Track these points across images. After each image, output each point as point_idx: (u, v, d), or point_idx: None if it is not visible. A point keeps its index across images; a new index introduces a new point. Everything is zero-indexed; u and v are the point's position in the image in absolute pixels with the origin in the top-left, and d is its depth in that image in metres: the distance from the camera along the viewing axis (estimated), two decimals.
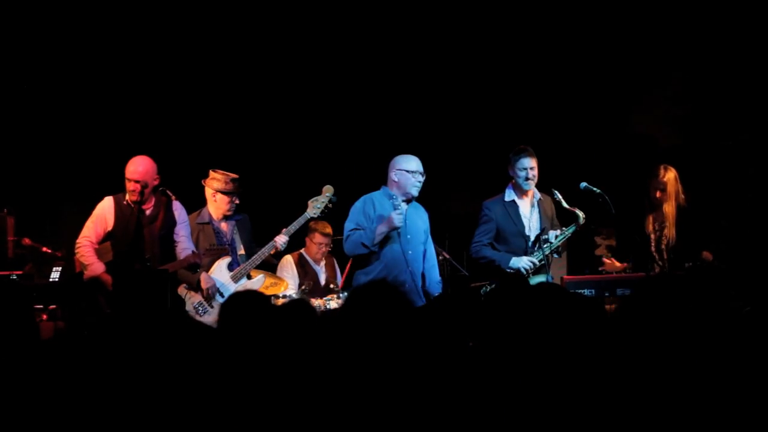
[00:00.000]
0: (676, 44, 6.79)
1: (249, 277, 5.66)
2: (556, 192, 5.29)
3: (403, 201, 5.05)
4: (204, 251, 5.44)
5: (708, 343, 2.32)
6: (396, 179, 5.08)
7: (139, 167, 5.24)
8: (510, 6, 6.91)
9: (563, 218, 5.46)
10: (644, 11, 6.73)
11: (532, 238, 5.34)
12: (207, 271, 5.56)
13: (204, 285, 5.48)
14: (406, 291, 4.62)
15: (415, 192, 5.08)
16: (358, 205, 5.10)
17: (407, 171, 5.05)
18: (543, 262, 5.20)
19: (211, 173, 5.69)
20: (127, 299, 5.04)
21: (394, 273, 4.93)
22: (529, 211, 5.43)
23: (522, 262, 5.22)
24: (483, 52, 7.06)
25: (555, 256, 5.39)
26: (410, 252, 5.00)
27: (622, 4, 6.78)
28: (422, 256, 5.14)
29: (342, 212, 5.33)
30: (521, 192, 5.42)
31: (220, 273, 5.62)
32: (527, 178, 5.34)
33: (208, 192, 5.70)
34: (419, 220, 5.16)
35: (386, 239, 4.97)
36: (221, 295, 5.53)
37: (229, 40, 6.97)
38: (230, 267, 5.66)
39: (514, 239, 5.36)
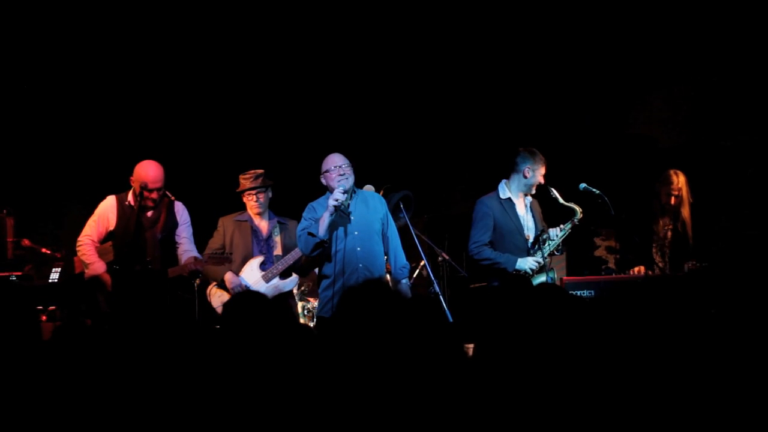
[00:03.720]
0: (676, 45, 6.79)
1: (282, 277, 5.64)
2: (552, 189, 5.28)
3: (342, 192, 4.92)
4: (207, 257, 5.42)
5: (706, 344, 2.32)
6: (325, 183, 5.00)
7: (159, 175, 5.23)
8: (510, 7, 6.90)
9: (561, 214, 5.44)
10: (644, 12, 6.73)
11: (532, 238, 5.33)
12: (238, 270, 5.58)
13: (229, 284, 5.50)
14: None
15: (341, 186, 4.88)
16: (304, 212, 5.06)
17: (327, 171, 4.95)
18: (546, 261, 5.20)
19: (240, 177, 5.76)
20: (126, 300, 5.04)
21: (348, 271, 4.86)
22: (525, 210, 5.42)
23: (528, 263, 5.20)
24: (484, 53, 7.06)
25: (556, 253, 5.38)
26: (359, 248, 4.91)
27: (622, 4, 6.78)
28: (380, 247, 5.04)
29: None
30: (523, 192, 5.40)
31: (251, 272, 5.60)
32: (540, 183, 5.35)
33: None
34: (370, 212, 5.04)
35: (336, 238, 4.89)
36: None
37: (236, 41, 6.97)
38: (263, 267, 5.64)
39: (512, 237, 5.32)
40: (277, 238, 5.77)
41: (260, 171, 5.71)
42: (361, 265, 4.88)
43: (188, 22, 6.83)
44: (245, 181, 5.72)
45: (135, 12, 6.70)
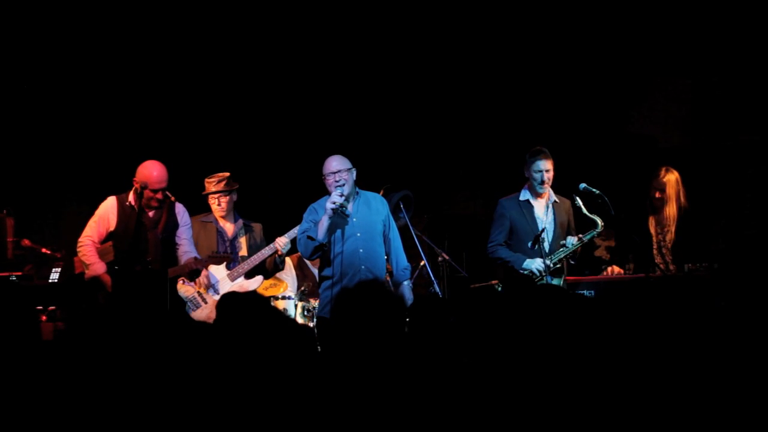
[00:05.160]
0: (677, 45, 6.78)
1: (247, 277, 5.70)
2: (577, 198, 5.28)
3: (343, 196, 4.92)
4: (207, 257, 5.46)
5: (706, 344, 2.32)
6: (326, 184, 5.01)
7: (163, 176, 5.25)
8: (511, 7, 6.90)
9: (580, 224, 5.45)
10: (645, 12, 6.73)
11: (548, 241, 5.31)
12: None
13: (197, 278, 5.54)
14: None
15: (339, 189, 4.89)
16: (305, 213, 5.07)
17: (325, 175, 4.96)
18: (558, 266, 5.22)
19: (204, 180, 5.88)
20: (127, 300, 5.04)
21: (350, 272, 4.86)
22: (543, 212, 5.42)
23: (535, 264, 5.22)
24: (484, 53, 7.05)
25: (571, 262, 5.39)
26: (362, 250, 4.92)
27: (622, 4, 6.78)
28: (382, 249, 5.04)
29: None
30: (536, 193, 5.41)
31: (216, 270, 5.68)
32: (542, 181, 5.34)
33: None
34: (372, 213, 5.04)
35: (337, 240, 4.89)
36: (216, 291, 5.58)
37: (233, 44, 6.96)
38: (228, 266, 5.73)
39: (526, 238, 5.36)
40: (242, 239, 5.91)
41: (226, 174, 5.84)
42: (363, 267, 4.88)
43: (187, 23, 6.83)
44: (209, 184, 5.86)
45: (135, 12, 6.69)
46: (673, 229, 5.57)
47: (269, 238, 5.86)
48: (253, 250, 5.82)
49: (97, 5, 6.63)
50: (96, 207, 5.41)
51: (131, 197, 5.31)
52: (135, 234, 5.20)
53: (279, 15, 6.95)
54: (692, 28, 6.66)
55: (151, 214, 5.33)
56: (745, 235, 6.29)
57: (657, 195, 5.60)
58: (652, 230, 5.67)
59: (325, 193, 5.03)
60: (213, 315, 5.45)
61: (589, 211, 5.27)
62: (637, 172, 6.19)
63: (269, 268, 5.86)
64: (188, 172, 6.03)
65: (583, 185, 5.30)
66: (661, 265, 5.56)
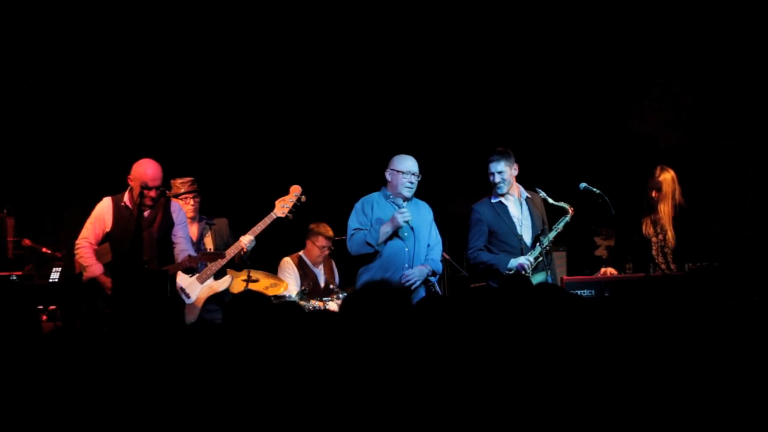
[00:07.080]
0: (677, 45, 6.79)
1: (216, 277, 5.66)
2: (540, 190, 5.29)
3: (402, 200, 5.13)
4: (201, 254, 5.44)
5: (706, 343, 2.32)
6: (389, 179, 5.15)
7: (158, 173, 5.21)
8: (510, 6, 6.91)
9: (553, 214, 5.44)
10: (645, 12, 6.73)
11: (528, 237, 5.31)
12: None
13: None
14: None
15: (406, 192, 5.10)
16: (357, 205, 5.19)
17: (399, 171, 5.09)
18: (540, 260, 5.19)
19: (176, 181, 5.84)
20: (126, 301, 5.03)
21: (393, 268, 4.99)
22: (518, 210, 5.40)
23: (518, 262, 5.21)
24: (484, 52, 7.06)
25: (559, 248, 5.38)
26: (407, 248, 5.06)
27: (622, 4, 6.78)
28: (424, 252, 5.18)
29: (339, 214, 5.42)
30: (500, 194, 5.40)
31: (183, 274, 5.62)
32: (493, 183, 5.34)
33: None
34: (421, 218, 5.20)
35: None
36: (187, 295, 5.55)
37: (231, 42, 6.98)
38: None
39: (506, 238, 5.33)
40: (208, 239, 5.87)
41: (185, 180, 5.80)
42: (406, 265, 5.02)
43: (185, 26, 6.83)
44: (182, 185, 5.80)
45: (133, 14, 6.70)
46: (670, 227, 5.55)
47: (235, 235, 5.81)
48: (219, 247, 5.76)
49: (96, 9, 6.63)
50: (95, 207, 5.40)
51: (126, 197, 5.28)
52: (135, 234, 5.18)
53: (273, 16, 6.95)
54: (692, 28, 6.67)
55: (146, 213, 5.30)
56: (745, 235, 6.29)
57: (653, 194, 5.60)
58: (650, 231, 5.65)
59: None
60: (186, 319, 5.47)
61: (556, 200, 5.27)
62: (637, 172, 6.19)
63: (239, 264, 5.80)
64: (185, 171, 6.03)
65: (583, 185, 5.30)
66: (662, 265, 5.54)
